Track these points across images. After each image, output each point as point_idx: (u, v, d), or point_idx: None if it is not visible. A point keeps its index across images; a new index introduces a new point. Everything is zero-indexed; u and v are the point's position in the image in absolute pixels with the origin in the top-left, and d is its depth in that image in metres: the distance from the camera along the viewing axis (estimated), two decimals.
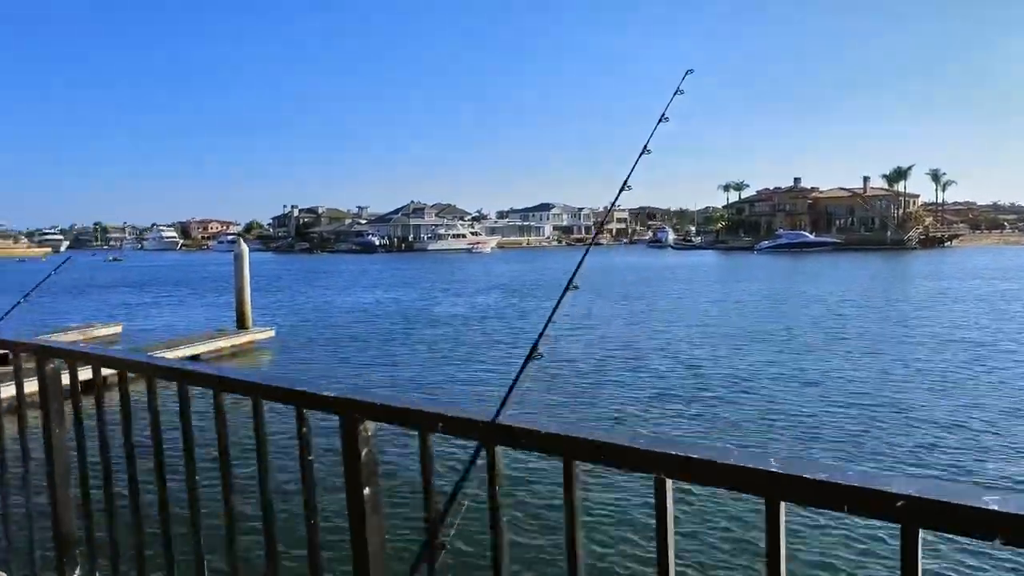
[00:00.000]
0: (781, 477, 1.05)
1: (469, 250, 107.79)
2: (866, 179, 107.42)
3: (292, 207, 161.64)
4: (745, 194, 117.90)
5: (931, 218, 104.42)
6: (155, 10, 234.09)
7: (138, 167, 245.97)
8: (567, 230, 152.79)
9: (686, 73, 1.63)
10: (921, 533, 0.97)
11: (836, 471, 1.03)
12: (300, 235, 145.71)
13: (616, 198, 1.78)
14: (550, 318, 1.44)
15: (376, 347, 19.22)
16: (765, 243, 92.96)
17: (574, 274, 1.52)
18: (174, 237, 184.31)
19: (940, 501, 0.93)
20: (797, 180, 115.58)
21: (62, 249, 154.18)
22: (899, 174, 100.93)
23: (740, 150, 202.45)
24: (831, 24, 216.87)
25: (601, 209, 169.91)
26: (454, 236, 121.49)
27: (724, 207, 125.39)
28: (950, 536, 1.55)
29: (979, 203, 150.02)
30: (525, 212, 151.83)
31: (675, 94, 1.63)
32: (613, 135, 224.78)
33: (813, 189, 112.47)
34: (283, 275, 55.36)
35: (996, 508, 0.89)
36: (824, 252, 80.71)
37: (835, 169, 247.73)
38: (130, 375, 2.30)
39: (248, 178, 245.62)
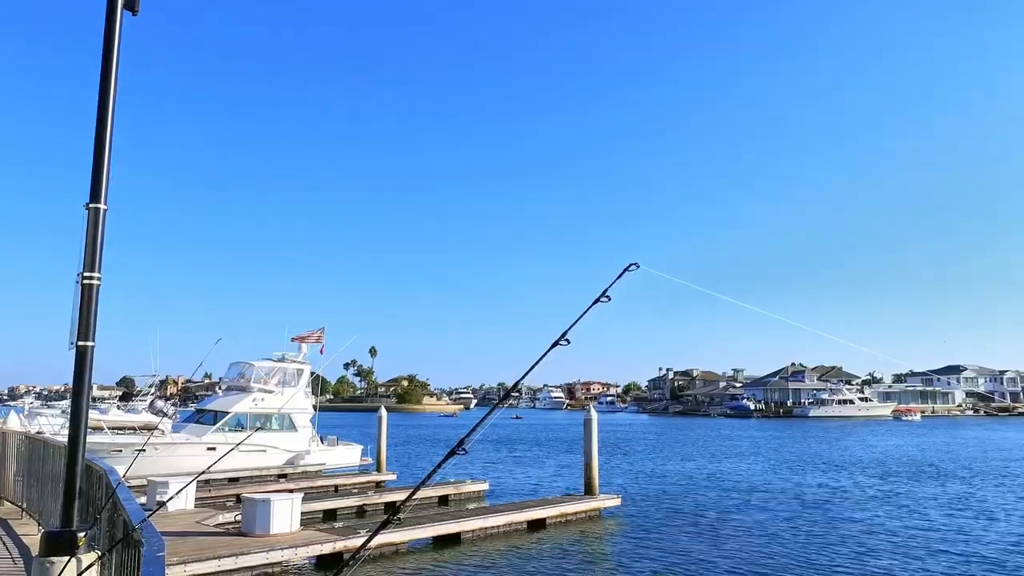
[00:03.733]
0: None
1: (896, 418, 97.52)
2: None
3: (667, 370, 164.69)
4: None
5: None
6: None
7: (534, 330, 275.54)
8: (984, 397, 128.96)
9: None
10: None
11: None
12: (674, 397, 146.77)
13: None
14: None
15: (724, 529, 17.79)
16: None
17: None
18: (561, 397, 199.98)
19: None
20: None
21: (472, 406, 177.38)
22: None
23: None
24: None
25: None
26: (839, 402, 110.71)
27: None
28: None
29: None
30: (928, 375, 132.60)
31: None
32: None
33: None
34: (651, 436, 55.65)
35: None
36: None
37: None
38: None
39: (627, 340, 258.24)
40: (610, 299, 1.45)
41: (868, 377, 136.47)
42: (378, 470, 24.96)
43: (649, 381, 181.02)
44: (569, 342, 1.49)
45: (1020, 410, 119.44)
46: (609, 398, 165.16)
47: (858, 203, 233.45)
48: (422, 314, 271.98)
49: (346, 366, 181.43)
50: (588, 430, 19.78)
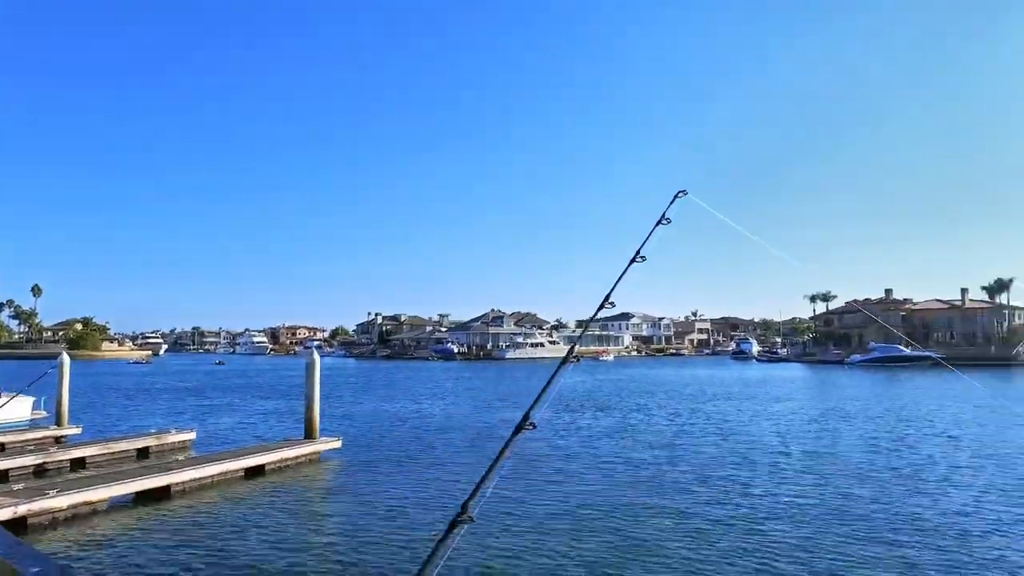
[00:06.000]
0: None
1: (595, 358, 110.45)
2: (964, 291, 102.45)
3: (376, 314, 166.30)
4: (832, 305, 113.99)
5: None
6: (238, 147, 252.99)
7: (232, 270, 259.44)
8: (646, 340, 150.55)
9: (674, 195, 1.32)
10: None
11: None
12: (382, 342, 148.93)
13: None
14: None
15: (435, 460, 18.76)
16: (857, 356, 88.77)
17: None
18: (264, 342, 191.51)
19: None
20: (888, 291, 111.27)
21: (161, 352, 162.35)
22: (1000, 285, 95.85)
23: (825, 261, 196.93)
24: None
25: (682, 319, 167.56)
26: (532, 345, 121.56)
27: (811, 318, 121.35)
28: None
29: None
30: (604, 322, 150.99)
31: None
32: (695, 249, 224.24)
33: (906, 301, 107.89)
34: (361, 381, 56.13)
35: None
36: (922, 367, 76.03)
37: (929, 280, 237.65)
38: None
39: (336, 284, 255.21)
40: (670, 221, 1.44)
41: (556, 322, 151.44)
42: (58, 424, 21.88)
43: (357, 325, 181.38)
44: (645, 258, 1.47)
45: (671, 351, 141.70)
46: (316, 342, 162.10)
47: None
48: (95, 248, 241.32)
49: None
50: (311, 373, 19.32)
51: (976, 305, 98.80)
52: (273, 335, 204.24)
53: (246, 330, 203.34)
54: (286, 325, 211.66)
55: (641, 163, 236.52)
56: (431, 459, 19.11)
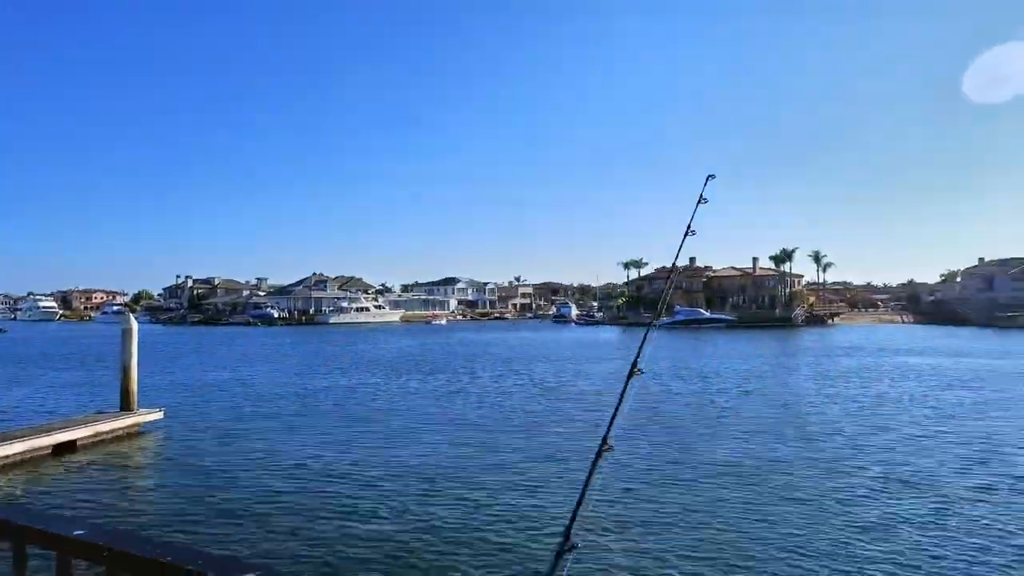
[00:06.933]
0: None
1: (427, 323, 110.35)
2: (755, 260, 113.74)
3: (186, 278, 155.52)
4: (644, 271, 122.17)
5: (814, 297, 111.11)
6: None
7: (18, 227, 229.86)
8: (472, 304, 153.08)
9: (707, 179, 1.49)
10: None
11: None
12: (194, 307, 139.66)
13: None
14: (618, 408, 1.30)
15: (262, 428, 18.18)
16: (664, 319, 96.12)
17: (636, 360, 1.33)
18: (53, 307, 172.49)
19: None
20: (692, 259, 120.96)
21: None
22: (785, 255, 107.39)
23: (638, 232, 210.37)
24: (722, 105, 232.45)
25: (506, 284, 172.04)
26: (357, 310, 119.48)
27: (625, 284, 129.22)
28: None
29: (855, 283, 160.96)
30: (430, 286, 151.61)
31: (698, 203, 1.49)
32: (521, 210, 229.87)
33: (707, 268, 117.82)
34: (174, 349, 52.41)
35: None
36: (718, 328, 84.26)
37: (727, 249, 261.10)
38: None
39: (138, 245, 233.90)
40: (707, 201, 1.51)
41: (381, 287, 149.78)
42: None
43: (165, 289, 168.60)
44: (695, 233, 1.55)
45: (495, 315, 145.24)
46: (116, 307, 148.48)
47: None
48: None
49: None
50: (127, 340, 17.85)
51: (764, 273, 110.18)
52: (64, 300, 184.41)
53: (30, 294, 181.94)
54: (79, 288, 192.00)
55: (454, 117, 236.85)
56: (259, 427, 18.45)
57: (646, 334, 1.44)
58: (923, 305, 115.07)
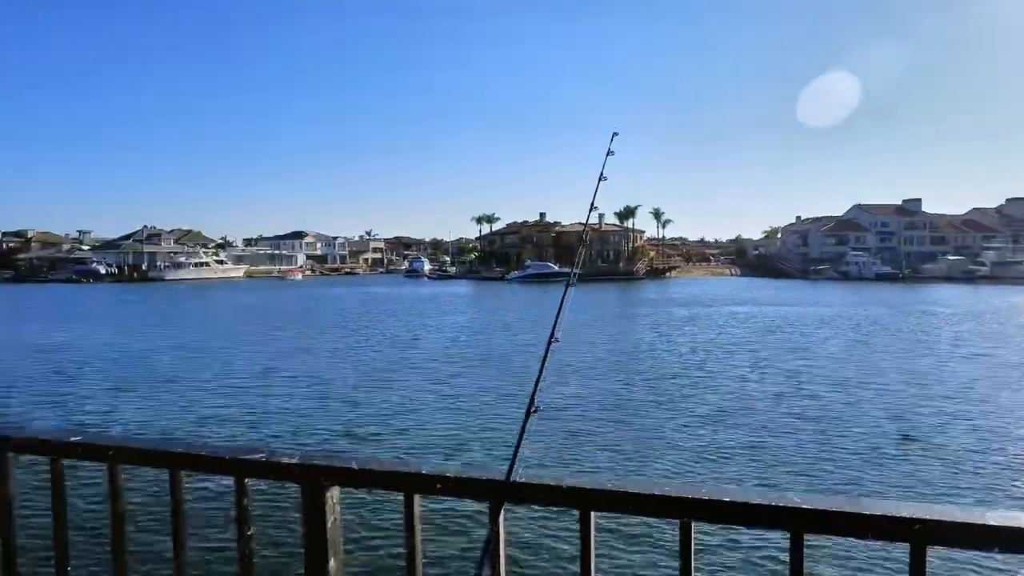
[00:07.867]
0: (807, 512, 1.17)
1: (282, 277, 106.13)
2: (601, 216, 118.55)
3: None
4: (496, 227, 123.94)
5: (654, 252, 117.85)
6: None
7: None
8: (321, 259, 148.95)
9: (613, 136, 1.71)
10: (928, 550, 1.16)
11: (856, 502, 1.18)
12: (4, 263, 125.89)
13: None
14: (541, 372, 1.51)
15: (91, 392, 17.16)
16: (515, 273, 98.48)
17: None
18: None
19: (950, 522, 1.11)
20: (543, 215, 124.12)
21: None
22: (628, 212, 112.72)
23: (490, 184, 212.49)
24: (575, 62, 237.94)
25: (357, 238, 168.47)
26: (196, 265, 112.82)
27: (477, 238, 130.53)
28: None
29: (690, 239, 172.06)
30: (276, 240, 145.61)
31: (607, 155, 1.70)
32: (370, 161, 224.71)
33: (557, 223, 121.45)
34: None
35: (995, 523, 1.09)
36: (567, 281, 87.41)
37: (576, 205, 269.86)
38: None
39: None
40: (613, 153, 1.67)
41: (222, 241, 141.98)
42: None
43: None
44: (606, 178, 1.71)
45: (346, 270, 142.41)
46: None
47: None
48: None
49: None
50: None
51: (610, 229, 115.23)
52: None
53: None
54: None
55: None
56: (87, 392, 17.33)
57: (564, 297, 1.68)
58: (749, 259, 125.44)
